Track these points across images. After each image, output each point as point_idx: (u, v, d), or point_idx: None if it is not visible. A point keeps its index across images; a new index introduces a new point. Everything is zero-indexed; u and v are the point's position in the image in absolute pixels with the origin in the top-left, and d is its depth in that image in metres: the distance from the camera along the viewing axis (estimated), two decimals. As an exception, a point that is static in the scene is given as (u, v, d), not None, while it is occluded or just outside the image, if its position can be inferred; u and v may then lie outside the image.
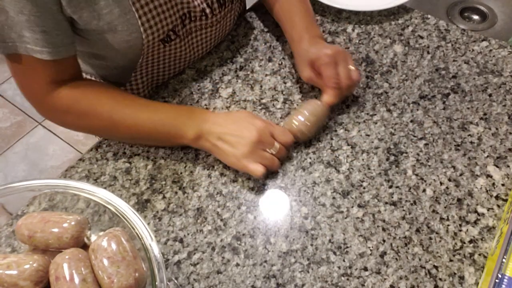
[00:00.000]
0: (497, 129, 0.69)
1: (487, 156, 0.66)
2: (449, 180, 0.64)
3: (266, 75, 0.78)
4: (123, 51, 0.66)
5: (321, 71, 0.67)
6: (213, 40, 0.79)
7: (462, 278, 0.56)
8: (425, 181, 0.64)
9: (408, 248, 0.59)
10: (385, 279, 0.56)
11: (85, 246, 0.49)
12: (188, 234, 0.61)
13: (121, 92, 0.67)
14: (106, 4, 0.59)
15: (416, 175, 0.65)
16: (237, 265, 0.58)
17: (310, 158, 0.68)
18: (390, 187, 0.64)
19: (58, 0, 0.56)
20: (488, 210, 0.61)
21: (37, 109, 0.66)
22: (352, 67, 0.68)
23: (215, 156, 0.66)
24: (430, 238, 0.59)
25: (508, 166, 0.65)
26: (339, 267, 0.58)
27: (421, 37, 0.82)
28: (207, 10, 0.71)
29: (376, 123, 0.71)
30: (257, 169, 0.61)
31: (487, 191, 0.63)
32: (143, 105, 0.66)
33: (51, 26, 0.57)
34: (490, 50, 0.79)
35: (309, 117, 0.65)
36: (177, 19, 0.67)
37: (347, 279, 0.57)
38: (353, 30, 0.84)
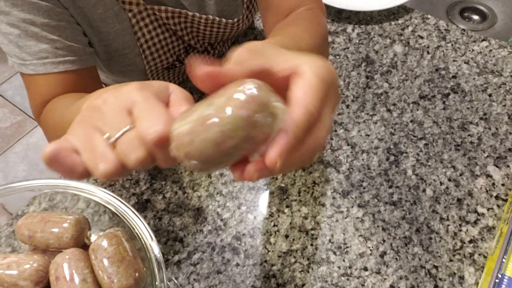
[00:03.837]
0: (497, 129, 0.69)
1: (487, 156, 0.66)
2: (449, 180, 0.64)
3: (266, 75, 0.78)
4: (128, 73, 0.67)
5: None
6: (217, 57, 0.81)
7: (462, 278, 0.56)
8: (425, 181, 0.64)
9: (408, 248, 0.59)
10: (385, 279, 0.56)
11: (85, 246, 0.49)
12: (188, 234, 0.61)
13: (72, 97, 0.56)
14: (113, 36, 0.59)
15: (416, 175, 0.65)
16: (237, 265, 0.58)
17: (310, 158, 0.68)
18: (390, 187, 0.64)
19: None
20: (488, 210, 0.61)
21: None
22: None
23: None
24: (430, 238, 0.59)
25: (508, 166, 0.65)
26: (339, 267, 0.58)
27: (421, 37, 0.82)
28: (209, 48, 0.72)
29: (376, 123, 0.71)
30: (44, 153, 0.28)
31: (487, 191, 0.63)
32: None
33: (68, 35, 0.54)
34: (490, 50, 0.79)
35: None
36: (180, 50, 0.68)
37: (347, 279, 0.57)
38: (353, 30, 0.84)
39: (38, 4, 0.51)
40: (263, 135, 0.24)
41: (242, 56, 0.26)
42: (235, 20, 0.66)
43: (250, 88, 0.24)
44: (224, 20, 0.64)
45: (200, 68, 0.24)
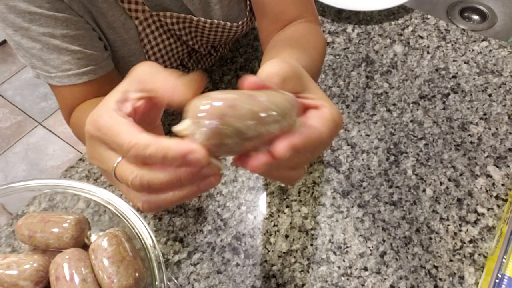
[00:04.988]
0: (497, 129, 0.69)
1: (487, 156, 0.66)
2: (449, 180, 0.64)
3: (266, 75, 0.78)
4: None
5: None
6: (218, 58, 0.81)
7: (462, 278, 0.56)
8: (425, 181, 0.64)
9: (408, 248, 0.59)
10: (385, 279, 0.56)
11: (85, 246, 0.49)
12: (188, 234, 0.61)
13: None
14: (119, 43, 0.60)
15: (416, 175, 0.65)
16: (237, 265, 0.58)
17: (310, 158, 0.68)
18: (390, 187, 0.64)
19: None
20: (488, 210, 0.61)
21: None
22: None
23: None
24: (430, 238, 0.59)
25: (508, 166, 0.65)
26: (339, 267, 0.58)
27: (421, 37, 0.82)
28: (212, 50, 0.73)
29: (376, 123, 0.71)
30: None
31: (487, 191, 0.63)
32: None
33: (87, 42, 0.55)
34: (490, 50, 0.79)
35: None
36: (183, 54, 0.68)
37: (347, 279, 0.57)
38: (353, 30, 0.84)
39: (54, 16, 0.51)
40: (280, 133, 0.28)
41: (286, 74, 0.30)
42: (240, 23, 0.66)
43: (291, 96, 0.29)
44: (229, 24, 0.65)
45: (249, 79, 0.29)
